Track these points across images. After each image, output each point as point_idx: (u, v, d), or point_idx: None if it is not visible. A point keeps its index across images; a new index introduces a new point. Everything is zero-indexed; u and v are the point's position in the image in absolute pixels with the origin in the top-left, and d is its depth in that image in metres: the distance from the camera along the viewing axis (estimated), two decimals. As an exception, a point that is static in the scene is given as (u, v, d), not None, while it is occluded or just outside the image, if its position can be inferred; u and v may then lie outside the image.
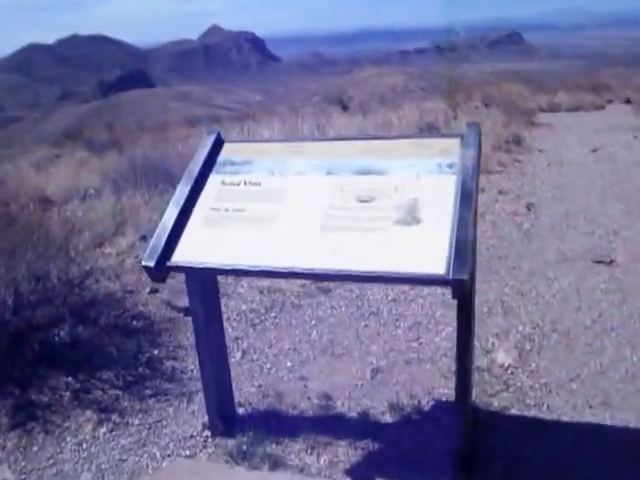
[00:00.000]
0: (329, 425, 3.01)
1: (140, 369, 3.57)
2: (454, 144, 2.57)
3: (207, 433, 3.01)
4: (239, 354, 3.70)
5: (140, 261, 2.49)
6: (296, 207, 2.50)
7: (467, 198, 2.31)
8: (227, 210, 2.55)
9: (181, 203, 2.55)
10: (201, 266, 2.42)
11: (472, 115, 11.84)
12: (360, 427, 3.00)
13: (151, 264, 2.39)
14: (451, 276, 2.11)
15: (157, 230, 2.48)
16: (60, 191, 6.57)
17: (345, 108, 14.64)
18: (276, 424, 3.00)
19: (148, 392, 3.37)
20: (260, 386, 3.38)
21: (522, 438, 2.87)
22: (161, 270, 2.42)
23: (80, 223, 5.53)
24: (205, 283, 2.65)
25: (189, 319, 4.04)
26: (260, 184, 2.62)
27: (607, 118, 12.88)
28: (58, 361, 3.56)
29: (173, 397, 3.32)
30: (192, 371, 3.52)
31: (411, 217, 2.36)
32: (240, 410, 3.17)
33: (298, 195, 2.54)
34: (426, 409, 3.16)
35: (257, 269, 2.36)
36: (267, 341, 3.86)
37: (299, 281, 4.49)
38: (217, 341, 2.85)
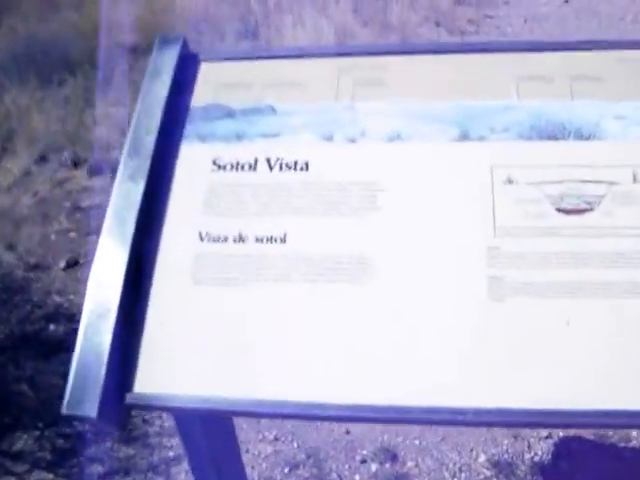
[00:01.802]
0: None
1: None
2: None
3: None
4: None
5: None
6: (410, 230, 1.02)
7: None
8: (240, 240, 1.04)
9: (131, 228, 1.01)
10: (199, 405, 0.93)
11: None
12: None
13: (91, 414, 0.89)
14: None
15: (85, 318, 0.95)
16: None
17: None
18: None
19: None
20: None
21: None
22: (112, 417, 0.92)
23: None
24: (211, 423, 1.16)
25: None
26: (307, 166, 1.09)
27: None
28: None
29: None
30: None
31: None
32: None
33: (408, 195, 1.05)
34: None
35: (335, 412, 0.91)
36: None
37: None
38: None
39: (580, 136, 1.07)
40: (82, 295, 2.32)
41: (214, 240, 1.03)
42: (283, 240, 1.02)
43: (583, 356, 0.90)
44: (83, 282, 2.51)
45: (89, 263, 2.53)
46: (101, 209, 3.09)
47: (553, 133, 1.08)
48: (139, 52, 4.18)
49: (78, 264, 2.72)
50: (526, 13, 7.62)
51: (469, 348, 0.93)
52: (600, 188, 1.02)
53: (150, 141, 1.09)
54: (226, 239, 1.03)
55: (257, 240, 1.03)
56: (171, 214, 1.06)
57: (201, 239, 1.04)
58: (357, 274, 0.99)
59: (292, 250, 1.02)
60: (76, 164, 3.40)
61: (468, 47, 1.23)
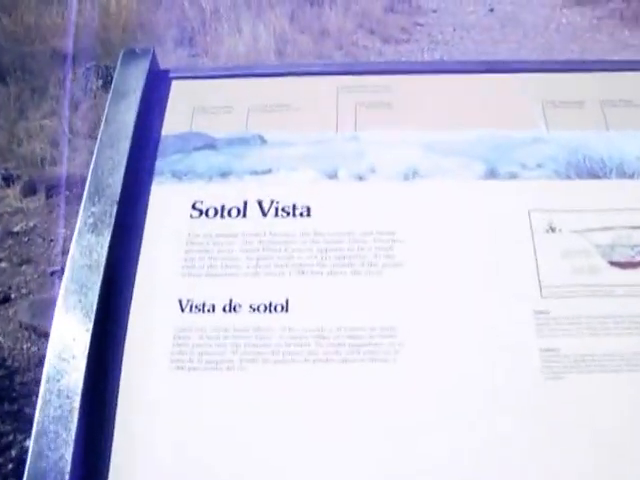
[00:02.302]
0: None
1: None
2: None
3: None
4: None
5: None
6: (439, 291, 0.80)
7: None
8: (231, 309, 0.80)
9: (94, 295, 0.75)
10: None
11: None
12: None
13: None
14: None
15: (37, 424, 0.69)
16: None
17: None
18: None
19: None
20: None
21: None
22: None
23: None
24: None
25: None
26: (308, 211, 0.87)
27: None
28: None
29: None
30: None
31: None
32: None
33: (432, 246, 0.83)
34: None
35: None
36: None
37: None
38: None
39: (623, 173, 0.88)
40: (14, 337, 1.99)
41: (198, 310, 0.79)
42: (285, 308, 0.79)
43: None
44: (15, 322, 2.17)
45: (22, 299, 2.18)
46: (35, 234, 2.75)
47: (593, 170, 0.88)
48: (73, 59, 3.84)
49: (9, 300, 2.36)
50: (454, 21, 7.62)
51: (525, 441, 0.72)
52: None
53: (116, 180, 0.84)
54: (213, 308, 0.79)
55: (252, 309, 0.79)
56: (143, 276, 0.81)
57: (182, 309, 0.79)
58: (381, 350, 0.77)
59: (297, 321, 0.79)
60: (8, 182, 3.02)
61: (484, 66, 1.02)
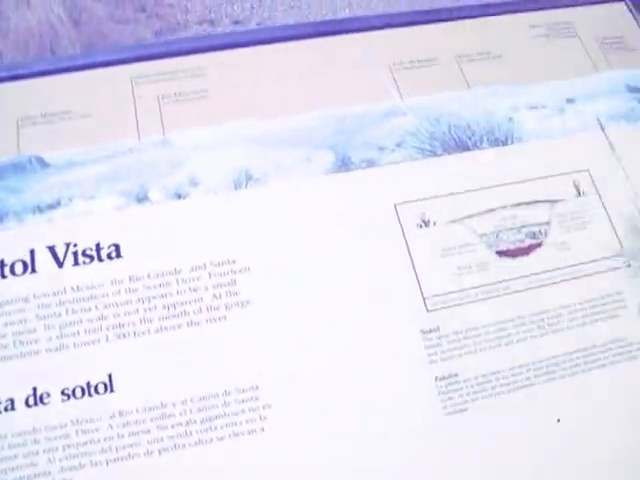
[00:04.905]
0: None
1: None
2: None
3: None
4: None
5: None
6: (300, 333, 0.76)
7: None
8: (38, 401, 0.71)
9: None
10: None
11: None
12: None
13: None
14: None
15: None
16: None
17: None
18: None
19: None
20: None
21: None
22: None
23: None
24: None
25: None
26: (117, 251, 0.79)
27: None
28: None
29: None
30: None
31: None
32: None
33: (283, 270, 0.79)
34: None
35: None
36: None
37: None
38: None
39: (495, 140, 0.87)
40: None
41: (-11, 411, 0.69)
42: (109, 387, 0.71)
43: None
44: None
45: None
46: None
47: (461, 142, 0.86)
48: None
49: None
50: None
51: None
52: (541, 212, 0.83)
53: None
54: (12, 405, 0.69)
55: (66, 396, 0.70)
56: None
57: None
58: (243, 419, 0.71)
59: (127, 402, 0.70)
60: None
61: (311, 29, 0.96)
